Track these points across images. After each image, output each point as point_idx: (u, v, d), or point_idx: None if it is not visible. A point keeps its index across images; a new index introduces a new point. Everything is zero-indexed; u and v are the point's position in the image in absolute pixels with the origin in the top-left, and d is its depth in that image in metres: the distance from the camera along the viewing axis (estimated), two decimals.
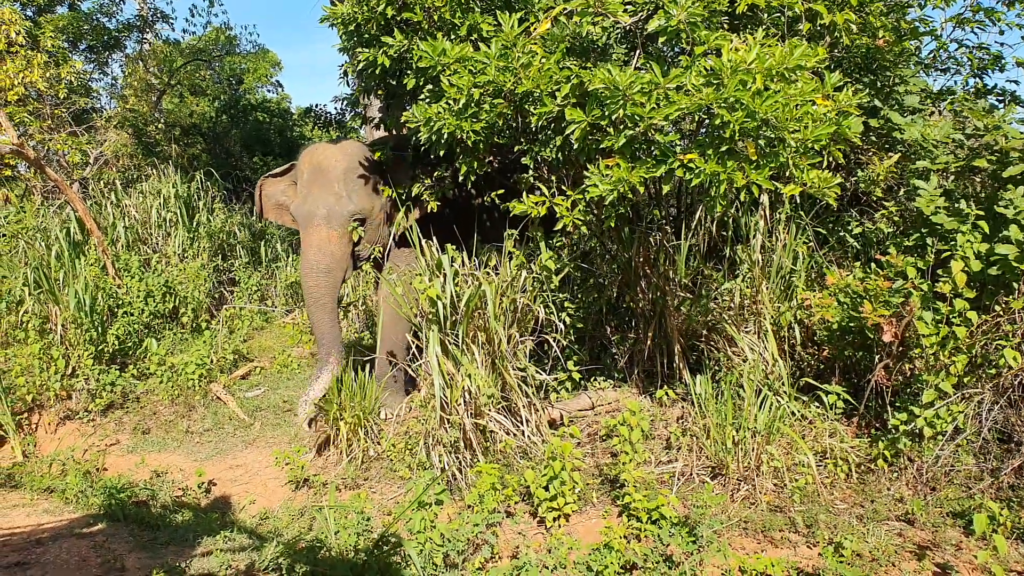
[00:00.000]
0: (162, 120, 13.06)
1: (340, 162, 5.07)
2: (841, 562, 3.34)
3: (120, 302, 6.91)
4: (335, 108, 12.48)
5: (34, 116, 9.62)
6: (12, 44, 8.71)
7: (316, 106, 12.80)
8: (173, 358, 6.16)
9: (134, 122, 11.82)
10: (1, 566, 3.56)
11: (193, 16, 23.91)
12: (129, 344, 6.54)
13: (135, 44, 14.46)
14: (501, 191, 4.79)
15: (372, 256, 5.21)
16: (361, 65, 4.69)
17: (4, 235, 7.83)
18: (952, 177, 4.35)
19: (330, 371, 4.96)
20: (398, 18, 4.51)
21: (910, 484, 3.92)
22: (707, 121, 3.72)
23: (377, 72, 4.68)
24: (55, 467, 5.11)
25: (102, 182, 9.76)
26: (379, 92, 5.32)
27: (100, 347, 6.26)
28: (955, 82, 5.63)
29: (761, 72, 3.37)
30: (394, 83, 4.95)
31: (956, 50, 5.43)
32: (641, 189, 3.74)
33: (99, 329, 6.32)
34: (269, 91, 16.59)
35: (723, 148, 3.50)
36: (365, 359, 5.07)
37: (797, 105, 3.40)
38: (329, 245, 5.00)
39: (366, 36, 4.68)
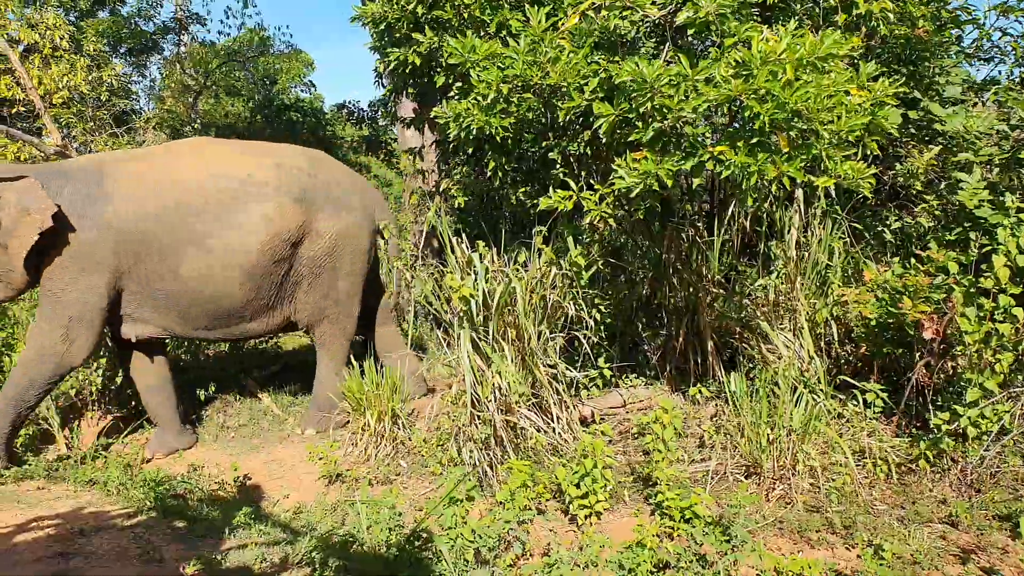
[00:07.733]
0: (198, 120, 13.29)
1: None
2: (881, 564, 3.26)
3: None
4: (368, 108, 12.61)
5: (77, 118, 9.84)
6: (57, 48, 8.92)
7: (348, 102, 12.92)
8: (209, 353, 6.24)
9: (172, 123, 12.06)
10: (46, 556, 3.64)
11: (228, 18, 24.38)
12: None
13: (172, 47, 14.74)
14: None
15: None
16: (392, 64, 4.72)
17: None
18: (996, 170, 4.23)
19: None
20: (428, 16, 4.53)
21: (953, 485, 3.82)
22: (738, 113, 3.67)
23: (408, 70, 4.72)
24: (97, 461, 5.23)
25: None
26: (410, 91, 5.34)
27: None
28: (999, 72, 5.49)
29: (791, 62, 3.31)
30: (424, 81, 4.97)
31: (1000, 39, 5.27)
32: (670, 182, 3.69)
33: None
34: (302, 91, 16.74)
35: (753, 140, 3.44)
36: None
37: (830, 96, 3.32)
38: None
39: (397, 35, 4.71)
